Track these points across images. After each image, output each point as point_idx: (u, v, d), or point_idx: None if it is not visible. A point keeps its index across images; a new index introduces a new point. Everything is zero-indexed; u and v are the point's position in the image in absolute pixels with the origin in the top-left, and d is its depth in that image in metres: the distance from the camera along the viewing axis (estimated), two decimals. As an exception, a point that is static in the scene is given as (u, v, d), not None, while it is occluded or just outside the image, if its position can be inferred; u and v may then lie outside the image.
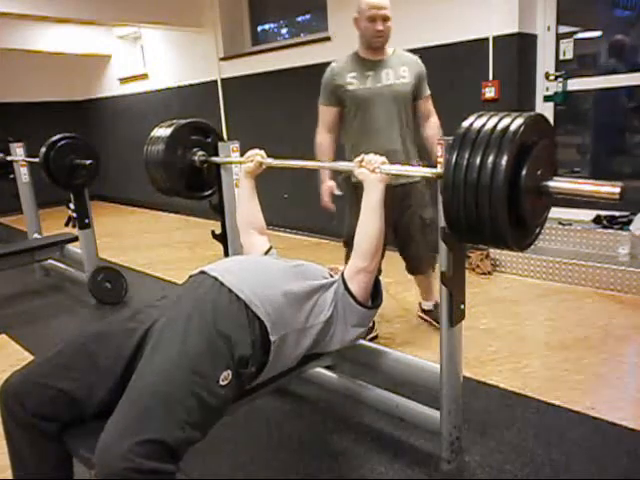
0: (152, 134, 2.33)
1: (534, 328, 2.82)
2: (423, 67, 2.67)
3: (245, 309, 1.41)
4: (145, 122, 6.63)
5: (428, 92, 2.72)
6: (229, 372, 1.29)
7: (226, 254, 2.38)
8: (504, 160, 1.19)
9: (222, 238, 2.39)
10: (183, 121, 2.33)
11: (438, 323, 1.75)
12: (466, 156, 1.25)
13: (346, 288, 1.60)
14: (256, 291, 1.45)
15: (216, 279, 1.48)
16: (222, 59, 5.48)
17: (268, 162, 2.06)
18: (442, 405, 1.65)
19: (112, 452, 1.09)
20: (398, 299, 3.30)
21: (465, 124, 1.31)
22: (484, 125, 1.28)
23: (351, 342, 1.67)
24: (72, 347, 1.37)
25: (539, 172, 1.27)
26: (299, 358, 1.58)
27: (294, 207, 5.21)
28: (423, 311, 2.94)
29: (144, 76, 6.66)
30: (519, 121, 1.24)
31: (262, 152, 2.07)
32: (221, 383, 1.27)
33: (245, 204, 2.07)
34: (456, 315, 1.57)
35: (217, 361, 1.29)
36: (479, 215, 1.24)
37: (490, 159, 1.21)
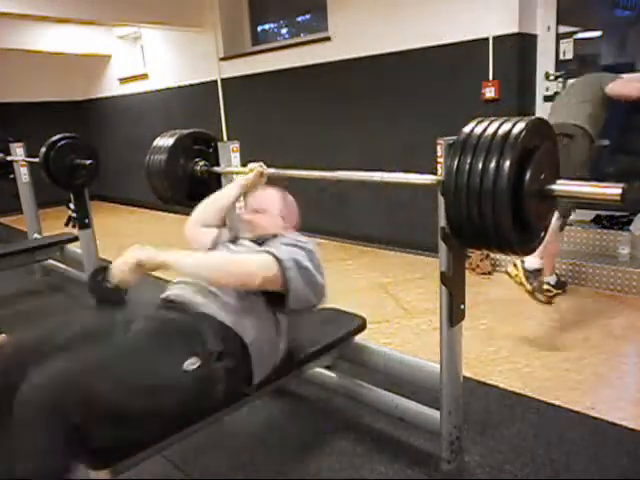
0: (154, 143, 2.32)
1: (534, 328, 2.82)
2: None
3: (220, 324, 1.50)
4: (145, 122, 6.69)
5: None
6: (196, 359, 1.35)
7: (226, 254, 2.38)
8: (507, 164, 1.20)
9: (222, 238, 2.39)
10: (185, 131, 2.32)
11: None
12: (468, 161, 1.25)
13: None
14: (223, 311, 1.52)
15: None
16: (222, 59, 5.48)
17: (270, 172, 2.05)
18: (442, 405, 1.65)
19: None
20: (398, 299, 3.29)
21: (466, 129, 1.31)
22: (485, 130, 1.28)
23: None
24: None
25: (542, 176, 1.27)
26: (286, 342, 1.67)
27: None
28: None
29: (144, 76, 6.66)
30: (520, 125, 1.24)
31: (262, 164, 2.05)
32: (185, 369, 1.33)
33: (217, 209, 1.97)
34: (456, 315, 1.57)
35: (183, 349, 1.37)
36: (483, 220, 1.24)
37: (492, 164, 1.21)
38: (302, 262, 1.52)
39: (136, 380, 1.26)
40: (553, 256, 3.11)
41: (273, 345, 1.60)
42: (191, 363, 1.34)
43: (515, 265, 2.93)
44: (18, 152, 4.01)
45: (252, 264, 1.47)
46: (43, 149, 3.27)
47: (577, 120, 2.93)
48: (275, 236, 1.71)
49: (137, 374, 1.27)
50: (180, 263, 1.43)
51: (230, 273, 1.44)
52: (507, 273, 3.01)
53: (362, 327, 2.04)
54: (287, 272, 1.47)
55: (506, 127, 1.25)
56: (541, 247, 1.45)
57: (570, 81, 3.40)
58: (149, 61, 6.61)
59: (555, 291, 3.13)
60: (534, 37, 3.64)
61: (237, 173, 2.29)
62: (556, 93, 3.59)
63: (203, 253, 1.61)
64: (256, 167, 2.03)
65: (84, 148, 3.37)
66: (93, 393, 1.18)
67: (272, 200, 1.86)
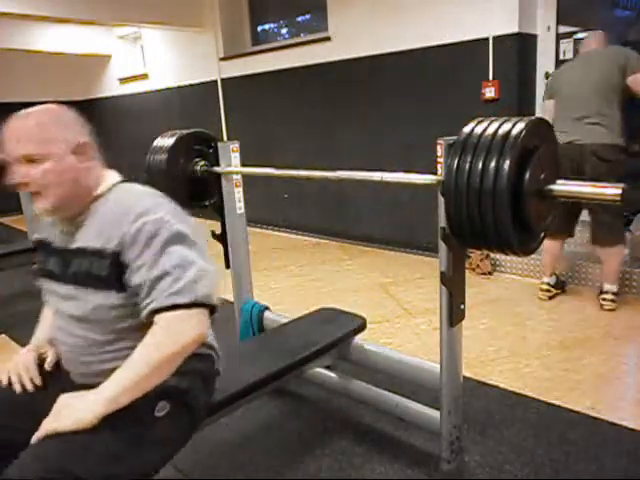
0: (154, 144, 2.32)
1: (534, 328, 2.82)
2: None
3: None
4: (145, 122, 6.68)
5: None
6: (163, 403, 1.19)
7: (226, 254, 2.39)
8: (507, 164, 1.20)
9: (222, 238, 2.39)
10: (186, 131, 2.32)
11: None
12: (468, 161, 1.25)
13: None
14: None
15: None
16: (222, 59, 5.48)
17: (270, 172, 2.03)
18: (442, 405, 1.65)
19: None
20: (398, 299, 3.29)
21: (466, 129, 1.31)
22: (485, 130, 1.28)
23: None
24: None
25: (542, 176, 1.27)
26: None
27: (294, 207, 5.22)
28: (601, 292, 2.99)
29: (144, 76, 6.66)
30: (520, 125, 1.24)
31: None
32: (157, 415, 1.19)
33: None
34: (456, 315, 1.57)
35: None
36: (483, 220, 1.25)
37: (492, 164, 1.21)
38: (201, 273, 1.16)
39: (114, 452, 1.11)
40: (552, 256, 3.12)
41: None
42: (161, 408, 1.19)
43: None
44: (18, 152, 4.00)
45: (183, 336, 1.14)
46: (43, 149, 3.26)
47: (611, 134, 2.78)
48: (91, 208, 1.24)
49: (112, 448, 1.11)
50: (127, 389, 1.09)
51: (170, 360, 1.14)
52: None
53: (362, 327, 2.04)
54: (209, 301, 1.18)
55: (506, 127, 1.25)
56: None
57: (584, 49, 3.03)
58: (149, 61, 6.61)
59: (554, 291, 3.14)
60: (534, 37, 3.64)
61: (236, 173, 2.29)
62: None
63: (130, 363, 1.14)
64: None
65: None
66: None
67: (41, 129, 1.18)
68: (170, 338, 1.12)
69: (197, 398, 1.29)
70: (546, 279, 3.14)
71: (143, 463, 1.17)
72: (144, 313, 1.14)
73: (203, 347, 1.29)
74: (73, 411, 1.08)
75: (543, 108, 3.15)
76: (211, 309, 1.18)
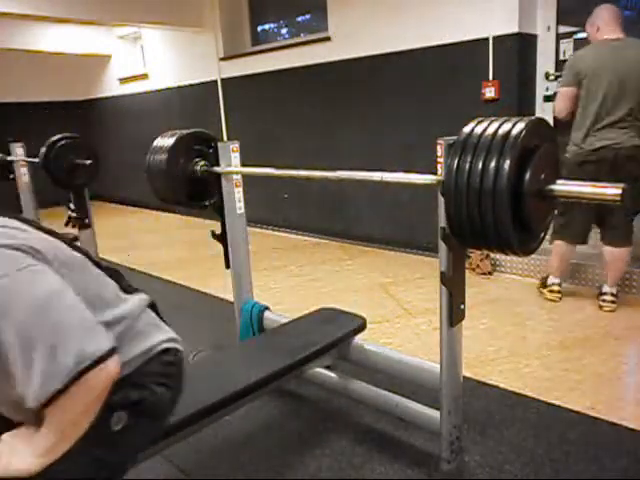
0: (154, 144, 2.32)
1: (534, 328, 2.82)
2: None
3: None
4: (145, 122, 6.68)
5: None
6: (117, 417, 1.10)
7: (226, 254, 2.39)
8: (507, 164, 1.20)
9: (222, 238, 2.39)
10: (186, 131, 2.33)
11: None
12: (468, 161, 1.25)
13: None
14: None
15: None
16: (222, 59, 5.48)
17: (270, 172, 2.02)
18: (442, 405, 1.65)
19: None
20: (398, 299, 3.29)
21: (466, 129, 1.31)
22: (485, 130, 1.28)
23: None
24: None
25: (542, 176, 1.27)
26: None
27: (294, 207, 5.22)
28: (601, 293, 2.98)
29: (144, 76, 6.66)
30: (520, 125, 1.24)
31: None
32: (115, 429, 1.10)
33: None
34: (456, 315, 1.57)
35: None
36: (483, 220, 1.25)
37: (492, 164, 1.21)
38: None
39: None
40: (564, 260, 3.08)
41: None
42: (117, 421, 1.09)
43: None
44: (18, 152, 4.01)
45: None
46: (43, 149, 3.27)
47: None
48: None
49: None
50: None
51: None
52: None
53: (362, 327, 2.04)
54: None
55: (506, 127, 1.25)
56: None
57: (605, 29, 2.82)
58: (149, 61, 6.61)
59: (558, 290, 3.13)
60: (534, 37, 3.64)
61: (236, 173, 2.29)
62: (556, 93, 3.58)
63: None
64: None
65: (84, 148, 3.38)
66: None
67: None
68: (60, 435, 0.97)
69: (156, 401, 1.19)
70: (556, 279, 3.11)
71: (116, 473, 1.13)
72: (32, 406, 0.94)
73: (160, 345, 1.20)
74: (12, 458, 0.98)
75: (560, 94, 2.90)
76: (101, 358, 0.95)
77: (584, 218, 2.91)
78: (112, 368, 0.98)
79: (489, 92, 3.59)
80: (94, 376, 0.95)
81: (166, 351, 1.23)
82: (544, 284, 3.19)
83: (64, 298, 0.97)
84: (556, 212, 2.73)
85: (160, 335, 1.24)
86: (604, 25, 2.84)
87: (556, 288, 3.11)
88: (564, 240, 3.00)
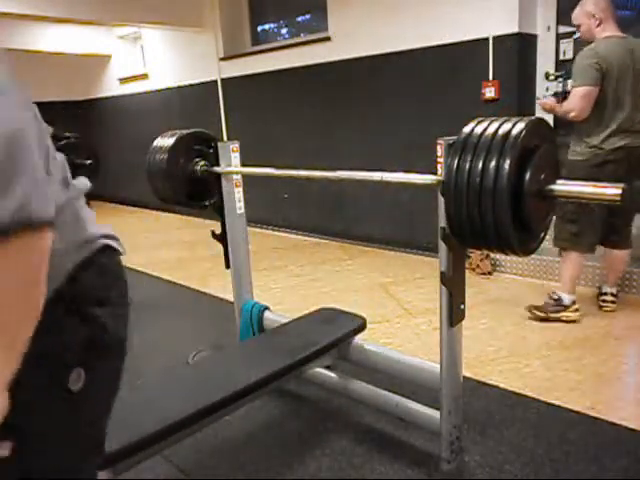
0: (154, 144, 2.32)
1: (534, 328, 2.82)
2: None
3: None
4: (145, 122, 6.68)
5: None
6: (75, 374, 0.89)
7: (226, 254, 2.39)
8: (507, 164, 1.20)
9: (222, 238, 2.39)
10: (186, 131, 2.33)
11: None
12: (468, 161, 1.26)
13: None
14: None
15: None
16: (222, 59, 5.48)
17: (270, 172, 2.03)
18: (442, 405, 1.65)
19: None
20: (398, 299, 3.29)
21: (466, 129, 1.32)
22: (485, 130, 1.28)
23: None
24: None
25: (542, 176, 1.27)
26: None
27: (294, 207, 5.22)
28: (601, 294, 2.95)
29: (144, 76, 6.66)
30: (520, 125, 1.24)
31: None
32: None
33: None
34: (456, 315, 1.57)
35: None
36: (483, 220, 1.25)
37: (492, 164, 1.22)
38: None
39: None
40: (578, 266, 2.88)
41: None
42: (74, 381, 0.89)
43: None
44: (18, 152, 4.01)
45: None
46: (43, 149, 3.27)
47: None
48: None
49: None
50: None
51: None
52: None
53: (362, 327, 2.04)
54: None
55: (506, 127, 1.25)
56: None
57: (606, 22, 2.75)
58: (149, 61, 6.61)
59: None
60: (534, 37, 3.64)
61: (235, 173, 2.29)
62: (555, 94, 3.58)
63: None
64: None
65: (84, 148, 3.38)
66: None
67: None
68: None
69: (109, 335, 0.97)
70: (573, 297, 2.84)
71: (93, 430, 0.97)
72: None
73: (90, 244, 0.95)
74: None
75: (582, 94, 2.60)
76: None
77: (597, 225, 2.74)
78: (48, 243, 0.74)
79: (489, 92, 3.59)
80: (35, 238, 0.71)
81: (102, 250, 0.98)
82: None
83: (29, 137, 0.74)
84: (566, 219, 2.73)
85: (97, 228, 1.00)
86: (605, 19, 2.75)
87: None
88: (578, 251, 2.80)
